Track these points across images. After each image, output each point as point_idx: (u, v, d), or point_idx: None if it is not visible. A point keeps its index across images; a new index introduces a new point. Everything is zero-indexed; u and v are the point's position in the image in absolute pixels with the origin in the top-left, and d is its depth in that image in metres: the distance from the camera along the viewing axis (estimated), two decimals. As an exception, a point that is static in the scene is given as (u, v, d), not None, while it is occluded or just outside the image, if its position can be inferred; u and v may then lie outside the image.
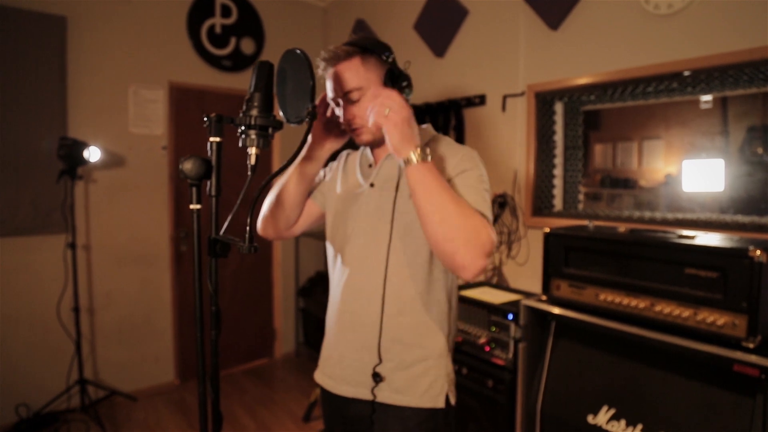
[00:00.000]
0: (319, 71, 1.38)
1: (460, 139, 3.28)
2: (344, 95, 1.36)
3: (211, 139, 1.12)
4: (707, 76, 2.26)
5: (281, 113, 1.27)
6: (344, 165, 1.62)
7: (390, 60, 1.43)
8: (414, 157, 1.18)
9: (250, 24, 4.16)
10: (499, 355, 2.43)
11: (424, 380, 1.40)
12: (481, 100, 3.17)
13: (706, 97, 2.55)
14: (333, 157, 1.65)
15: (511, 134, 3.02)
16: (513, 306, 2.43)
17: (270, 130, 1.18)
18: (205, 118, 1.15)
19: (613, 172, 2.91)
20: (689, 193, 2.57)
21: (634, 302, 1.91)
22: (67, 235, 3.28)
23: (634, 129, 2.79)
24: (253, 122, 1.15)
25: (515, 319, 2.36)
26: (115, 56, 3.56)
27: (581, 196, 3.02)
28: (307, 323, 4.60)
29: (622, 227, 2.14)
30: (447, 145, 1.44)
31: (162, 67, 3.77)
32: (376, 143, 1.47)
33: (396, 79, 1.40)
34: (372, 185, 1.46)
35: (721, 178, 2.51)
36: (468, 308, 2.59)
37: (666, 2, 2.28)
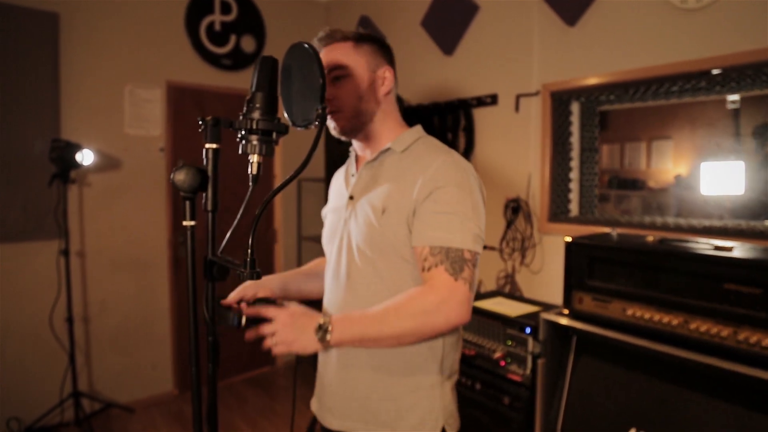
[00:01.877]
0: None
1: (470, 140, 3.14)
2: (328, 72, 1.27)
3: (207, 145, 0.98)
4: (739, 75, 2.12)
5: (286, 115, 1.13)
6: (334, 184, 1.56)
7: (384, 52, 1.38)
8: (323, 337, 1.11)
9: (251, 21, 4.01)
10: (516, 370, 2.29)
11: (414, 413, 1.26)
12: (492, 99, 3.03)
13: (733, 97, 2.42)
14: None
15: (524, 136, 2.88)
16: (530, 319, 2.29)
17: (274, 135, 1.04)
18: (200, 122, 1.01)
19: (620, 173, 2.81)
20: (702, 196, 2.45)
21: (665, 318, 1.77)
22: (60, 241, 3.14)
23: (642, 129, 2.69)
24: (255, 126, 1.01)
25: (533, 333, 2.22)
26: (110, 54, 3.41)
27: (597, 200, 2.88)
28: (309, 330, 4.45)
29: (650, 236, 1.99)
30: (427, 150, 1.31)
31: (159, 66, 3.63)
32: (356, 133, 1.35)
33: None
34: (351, 197, 1.35)
35: (741, 181, 2.39)
36: (481, 320, 2.45)
37: (695, -5, 2.14)
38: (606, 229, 2.48)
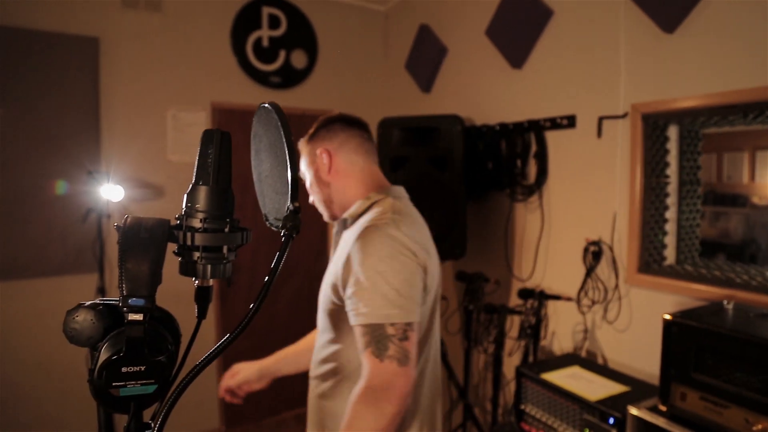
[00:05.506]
0: None
1: (542, 169, 2.68)
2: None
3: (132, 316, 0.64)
4: None
5: (259, 202, 0.78)
6: None
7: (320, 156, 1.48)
8: None
9: (302, 35, 3.73)
10: (596, 467, 1.84)
11: None
12: (569, 121, 2.57)
13: None
14: None
15: (609, 166, 2.40)
16: (615, 407, 1.82)
17: (225, 249, 0.70)
18: (116, 227, 0.69)
19: (718, 187, 2.36)
20: None
21: (812, 445, 1.28)
22: (98, 278, 2.98)
23: (744, 137, 2.23)
24: (191, 241, 0.68)
25: (618, 426, 1.77)
26: (151, 78, 3.23)
27: (699, 245, 2.36)
28: (364, 365, 4.14)
29: (784, 321, 1.49)
30: (366, 219, 1.36)
31: (203, 87, 3.42)
32: (340, 214, 1.48)
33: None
34: None
35: None
36: (552, 398, 2.02)
37: None
38: (712, 289, 1.98)
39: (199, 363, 0.61)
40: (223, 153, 0.70)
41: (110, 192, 2.69)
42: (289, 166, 0.66)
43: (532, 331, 2.53)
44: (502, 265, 2.97)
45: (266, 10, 3.56)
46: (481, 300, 2.85)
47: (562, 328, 2.63)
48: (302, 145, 1.47)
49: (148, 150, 3.26)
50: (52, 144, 2.93)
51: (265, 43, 3.58)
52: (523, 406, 2.15)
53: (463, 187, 2.73)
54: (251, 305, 0.62)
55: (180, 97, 3.34)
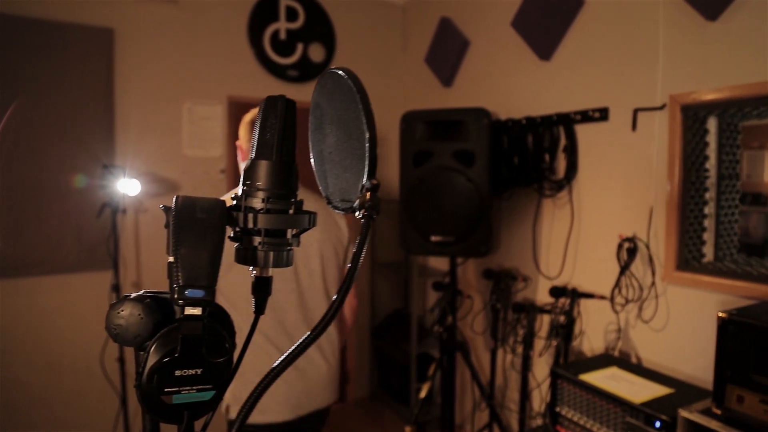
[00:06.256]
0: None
1: (572, 163, 2.60)
2: None
3: (189, 310, 0.56)
4: None
5: (319, 186, 0.69)
6: None
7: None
8: None
9: (319, 28, 3.65)
10: (639, 473, 1.76)
11: None
12: (601, 114, 2.48)
13: None
14: None
15: (645, 160, 2.31)
16: (661, 410, 1.73)
17: (289, 234, 0.62)
18: (162, 208, 0.61)
19: (738, 186, 2.27)
20: None
21: None
22: (112, 275, 2.90)
23: (765, 134, 2.18)
24: (253, 223, 0.59)
25: (666, 429, 1.68)
26: (167, 70, 3.16)
27: (738, 242, 2.27)
28: (382, 365, 4.06)
29: None
30: None
31: (220, 81, 3.34)
32: None
33: None
34: None
35: None
36: (591, 400, 1.93)
37: None
38: (759, 287, 1.89)
39: (277, 366, 0.53)
40: (287, 123, 0.63)
41: (126, 186, 2.62)
42: (367, 138, 0.57)
43: (564, 331, 2.45)
44: (529, 262, 2.88)
45: (284, 3, 3.49)
46: (509, 298, 2.76)
47: (592, 328, 2.54)
48: (247, 122, 1.76)
49: (163, 144, 3.18)
50: (66, 137, 2.86)
51: (283, 36, 3.50)
52: (558, 408, 2.06)
53: (489, 183, 2.65)
54: (333, 297, 0.53)
55: (196, 91, 3.26)
